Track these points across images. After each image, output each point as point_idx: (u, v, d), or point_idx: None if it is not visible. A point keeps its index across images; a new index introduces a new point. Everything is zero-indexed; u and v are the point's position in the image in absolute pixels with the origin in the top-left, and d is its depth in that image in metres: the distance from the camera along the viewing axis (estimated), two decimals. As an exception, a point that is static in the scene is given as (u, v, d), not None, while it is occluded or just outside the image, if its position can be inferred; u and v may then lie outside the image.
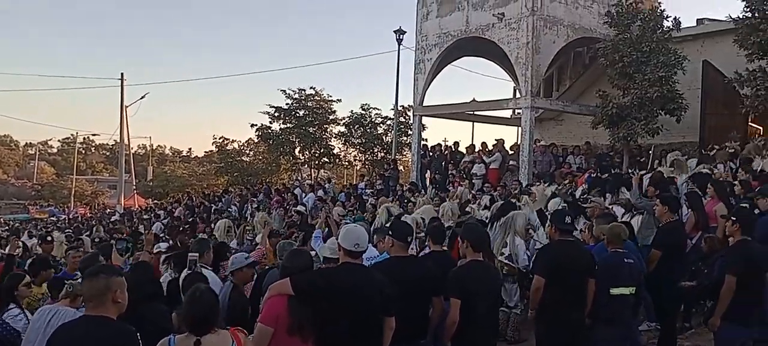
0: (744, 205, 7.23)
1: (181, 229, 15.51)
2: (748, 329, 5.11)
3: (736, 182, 9.26)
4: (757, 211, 6.53)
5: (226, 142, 36.48)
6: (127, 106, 36.92)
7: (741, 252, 5.18)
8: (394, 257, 4.62)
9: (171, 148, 51.53)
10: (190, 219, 19.10)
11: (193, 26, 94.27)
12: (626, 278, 5.45)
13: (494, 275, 4.86)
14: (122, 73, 37.04)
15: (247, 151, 37.71)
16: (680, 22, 15.15)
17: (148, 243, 5.99)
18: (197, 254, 5.26)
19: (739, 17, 12.76)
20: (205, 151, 40.53)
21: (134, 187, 40.77)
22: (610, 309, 5.39)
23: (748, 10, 12.49)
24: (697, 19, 17.01)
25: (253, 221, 14.11)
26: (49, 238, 10.64)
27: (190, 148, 45.74)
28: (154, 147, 56.19)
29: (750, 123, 14.99)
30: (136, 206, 33.87)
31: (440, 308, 4.57)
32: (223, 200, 22.12)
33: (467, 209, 10.60)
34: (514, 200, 9.61)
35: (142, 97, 38.70)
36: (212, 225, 14.95)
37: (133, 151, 45.92)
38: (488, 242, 4.97)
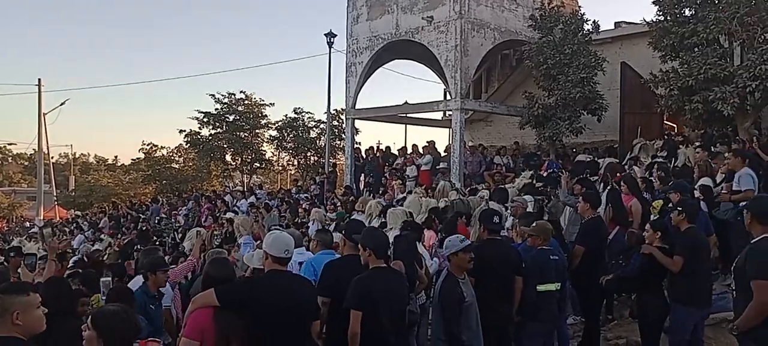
0: (659, 199, 7.63)
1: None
2: (699, 309, 5.60)
3: (651, 178, 9.75)
4: (670, 204, 6.86)
5: (154, 149, 35.37)
6: (45, 114, 35.09)
7: (688, 238, 5.63)
8: (347, 256, 4.64)
9: (95, 156, 49.49)
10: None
11: (117, 29, 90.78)
12: (552, 275, 5.62)
13: (399, 282, 4.61)
14: (39, 79, 35.19)
15: (177, 158, 36.68)
16: (599, 26, 15.80)
17: (51, 252, 5.63)
18: (109, 279, 5.06)
19: (652, 20, 13.36)
20: (132, 159, 39.03)
21: (55, 198, 38.81)
22: (537, 305, 5.54)
23: (661, 13, 13.11)
24: (615, 23, 17.75)
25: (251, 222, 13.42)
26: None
27: (116, 156, 44.02)
28: (77, 155, 53.68)
29: (665, 122, 15.79)
30: (58, 218, 32.27)
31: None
32: (151, 208, 21.42)
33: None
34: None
35: (62, 104, 36.85)
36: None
37: (53, 160, 43.65)
38: (388, 247, 4.70)
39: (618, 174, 10.26)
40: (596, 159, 13.23)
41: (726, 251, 7.95)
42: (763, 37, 11.68)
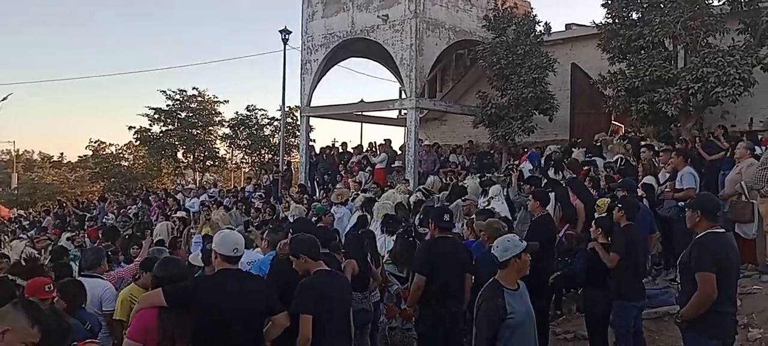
0: (606, 197, 7.83)
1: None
2: (638, 302, 5.82)
3: (598, 176, 10.02)
4: (616, 200, 7.05)
5: (102, 145, 34.33)
6: (-15, 109, 33.67)
7: (625, 235, 5.83)
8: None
9: (40, 153, 47.54)
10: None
11: (63, 23, 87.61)
12: (503, 272, 5.69)
13: (343, 285, 4.44)
14: (-21, 73, 33.75)
15: (126, 156, 35.69)
16: (551, 27, 16.12)
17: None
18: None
19: (601, 23, 13.73)
20: (79, 156, 37.64)
21: (-4, 196, 37.29)
22: (488, 302, 5.60)
23: (610, 16, 13.47)
24: (566, 24, 18.13)
25: (203, 221, 13.07)
26: None
27: (62, 153, 42.32)
28: (20, 152, 51.45)
29: (613, 121, 16.24)
30: (-1, 217, 30.95)
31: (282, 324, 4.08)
32: (98, 207, 20.77)
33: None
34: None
35: (5, 99, 35.35)
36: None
37: (-6, 157, 42.00)
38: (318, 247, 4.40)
39: (584, 168, 10.58)
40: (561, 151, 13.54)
41: (669, 246, 8.25)
42: (705, 40, 12.16)
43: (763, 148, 8.31)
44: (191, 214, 14.93)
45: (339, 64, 18.92)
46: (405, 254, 6.64)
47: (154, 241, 8.89)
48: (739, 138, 10.05)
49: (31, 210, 30.54)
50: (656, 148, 10.50)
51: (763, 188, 7.25)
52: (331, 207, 11.26)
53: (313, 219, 8.99)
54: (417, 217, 9.50)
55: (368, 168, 16.11)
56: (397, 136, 19.55)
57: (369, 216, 9.82)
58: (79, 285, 4.66)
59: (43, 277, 4.32)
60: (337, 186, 15.12)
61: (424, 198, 11.28)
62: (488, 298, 4.03)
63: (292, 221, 9.56)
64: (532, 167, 12.46)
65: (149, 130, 29.23)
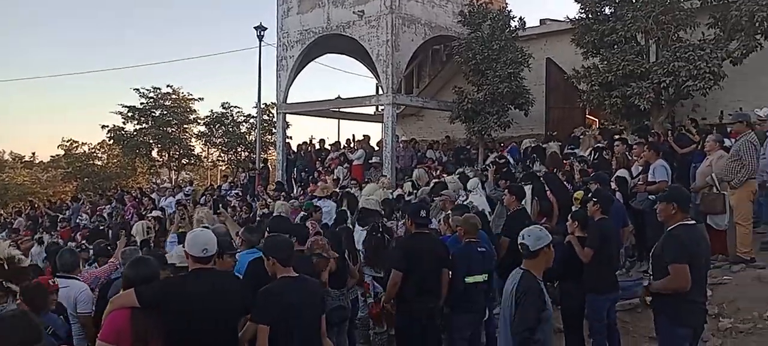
0: (580, 190, 7.92)
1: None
2: (611, 295, 5.90)
3: (573, 170, 10.12)
4: (590, 193, 7.13)
5: (74, 145, 33.75)
6: (-47, 108, 32.86)
7: (599, 229, 5.92)
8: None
9: (11, 153, 46.44)
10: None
11: (34, 20, 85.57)
12: (480, 266, 5.72)
13: (313, 290, 4.21)
14: (-54, 71, 32.94)
15: (100, 155, 35.14)
16: (525, 23, 16.22)
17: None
18: None
19: (575, 18, 13.84)
20: (52, 156, 36.96)
21: (-35, 197, 36.43)
22: (465, 297, 5.64)
23: (583, 11, 13.59)
24: (541, 20, 18.22)
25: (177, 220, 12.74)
26: None
27: (33, 153, 41.43)
28: (-10, 152, 50.38)
29: (587, 116, 16.43)
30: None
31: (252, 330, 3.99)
32: (71, 207, 20.43)
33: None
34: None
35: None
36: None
37: (-38, 158, 41.04)
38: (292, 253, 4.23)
39: (565, 163, 10.69)
40: (541, 144, 13.76)
41: (642, 238, 8.37)
42: (676, 35, 12.34)
43: (733, 140, 8.45)
44: (165, 213, 14.73)
45: (315, 60, 18.84)
46: (371, 251, 6.60)
47: (132, 241, 8.77)
48: (710, 131, 10.22)
49: (2, 211, 29.92)
50: (629, 142, 10.64)
51: (732, 180, 7.39)
52: (316, 202, 11.20)
53: (303, 215, 8.95)
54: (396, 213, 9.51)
55: (346, 164, 16.08)
56: (374, 132, 19.55)
57: (349, 212, 9.79)
58: (40, 289, 4.58)
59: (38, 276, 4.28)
60: (319, 182, 15.03)
61: (413, 190, 11.45)
62: (532, 286, 3.96)
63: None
64: (513, 160, 12.64)
65: (123, 128, 28.83)
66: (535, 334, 3.92)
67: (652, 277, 4.75)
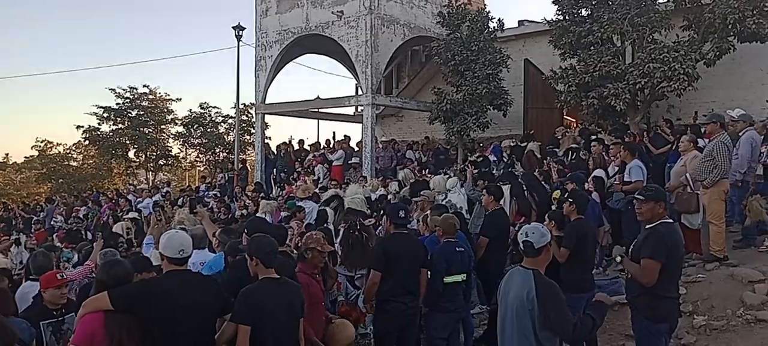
0: (557, 189, 7.99)
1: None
2: (587, 293, 5.88)
3: (551, 170, 10.21)
4: (566, 193, 7.19)
5: (49, 145, 33.15)
6: None
7: (575, 229, 5.94)
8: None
9: (-17, 154, 45.47)
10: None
11: (5, 21, 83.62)
12: (458, 266, 5.74)
13: (292, 292, 4.16)
14: None
15: (75, 156, 34.55)
16: (504, 24, 16.29)
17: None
18: None
19: (553, 20, 13.96)
20: (25, 157, 36.26)
21: (-64, 200, 35.60)
22: (444, 296, 5.65)
23: (560, 13, 13.72)
24: (519, 21, 18.37)
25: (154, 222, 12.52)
26: None
27: (7, 154, 40.62)
28: (-39, 154, 49.36)
29: (565, 116, 16.58)
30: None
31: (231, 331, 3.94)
32: (46, 209, 20.08)
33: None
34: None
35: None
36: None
37: (-67, 158, 40.07)
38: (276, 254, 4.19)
39: (547, 161, 10.80)
40: (520, 144, 13.93)
41: (618, 238, 8.46)
42: (651, 37, 12.50)
43: (706, 140, 8.59)
44: (142, 215, 14.55)
45: (294, 60, 18.76)
46: (347, 249, 6.56)
47: (120, 240, 8.63)
48: (684, 132, 10.38)
49: (-27, 214, 29.30)
50: (606, 142, 10.75)
51: (705, 179, 7.51)
52: (297, 202, 11.14)
53: (286, 215, 8.88)
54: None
55: (325, 165, 16.02)
56: (354, 133, 19.51)
57: (330, 212, 9.73)
58: (4, 293, 4.51)
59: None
60: (298, 182, 14.94)
61: (399, 190, 11.53)
62: (553, 286, 3.86)
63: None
64: (495, 159, 12.74)
65: (98, 129, 28.40)
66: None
67: (628, 275, 4.81)
